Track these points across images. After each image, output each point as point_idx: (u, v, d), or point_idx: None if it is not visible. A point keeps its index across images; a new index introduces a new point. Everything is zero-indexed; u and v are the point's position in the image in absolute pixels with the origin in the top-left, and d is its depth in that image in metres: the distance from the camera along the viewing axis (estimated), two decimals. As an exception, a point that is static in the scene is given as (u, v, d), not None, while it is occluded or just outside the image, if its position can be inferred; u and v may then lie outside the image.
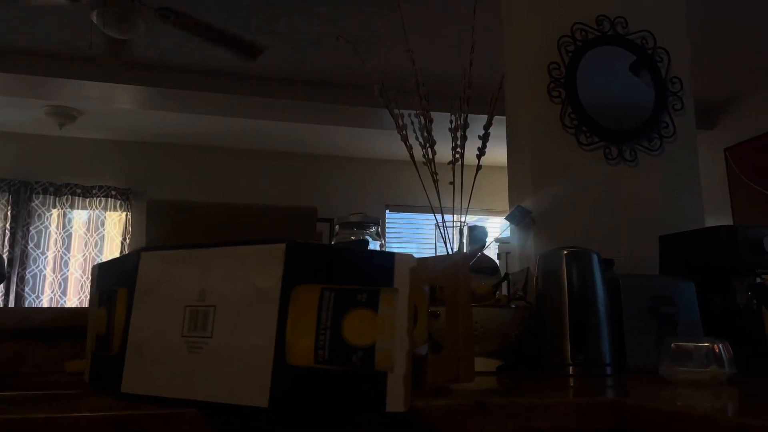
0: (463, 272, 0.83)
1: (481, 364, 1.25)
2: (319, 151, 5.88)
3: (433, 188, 1.82)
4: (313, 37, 3.55)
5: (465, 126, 1.75)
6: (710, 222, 4.79)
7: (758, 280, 1.38)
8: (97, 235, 5.40)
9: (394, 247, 6.19)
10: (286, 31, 3.48)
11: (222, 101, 4.16)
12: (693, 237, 1.45)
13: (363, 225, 1.64)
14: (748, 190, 4.41)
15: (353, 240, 1.61)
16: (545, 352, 1.26)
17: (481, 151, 1.81)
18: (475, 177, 1.83)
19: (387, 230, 6.16)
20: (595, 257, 1.28)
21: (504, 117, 1.86)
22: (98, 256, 5.36)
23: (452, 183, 1.91)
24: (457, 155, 1.82)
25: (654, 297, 1.30)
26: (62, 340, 1.26)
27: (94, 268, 0.91)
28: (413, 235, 6.31)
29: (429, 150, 1.69)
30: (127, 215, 5.46)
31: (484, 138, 1.81)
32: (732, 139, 4.59)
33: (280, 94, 4.09)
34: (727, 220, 4.56)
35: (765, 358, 1.32)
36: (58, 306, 5.21)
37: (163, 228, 1.46)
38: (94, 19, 2.76)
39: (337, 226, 1.65)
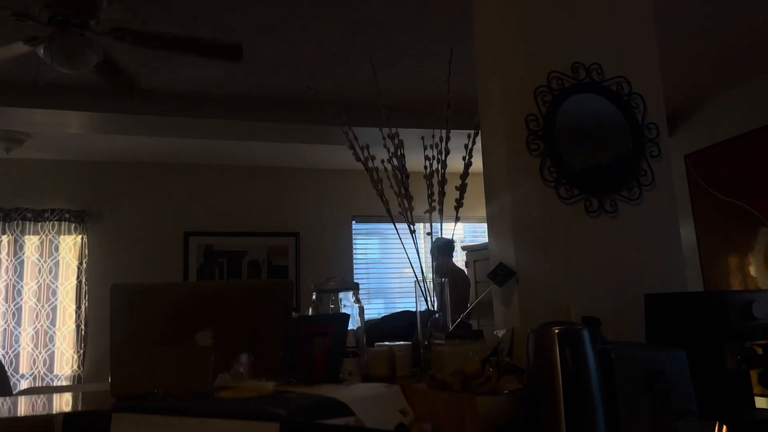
0: (470, 415, 0.77)
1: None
2: (284, 164, 5.76)
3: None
4: (272, 61, 3.44)
5: (443, 182, 1.70)
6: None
7: (747, 343, 1.36)
8: (51, 260, 5.17)
9: (361, 258, 6.11)
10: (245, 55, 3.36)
11: (178, 124, 4.01)
12: (680, 300, 1.42)
13: (341, 291, 1.57)
14: (708, 196, 4.49)
15: (332, 311, 1.53)
16: (540, 436, 1.21)
17: (458, 209, 1.76)
18: (453, 234, 1.78)
19: (354, 241, 6.08)
20: (586, 335, 1.24)
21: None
22: (53, 283, 5.13)
23: (430, 234, 1.86)
24: (434, 203, 1.78)
25: (647, 372, 1.27)
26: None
27: (57, 418, 0.81)
28: (380, 243, 6.25)
29: (408, 212, 1.64)
30: (83, 238, 5.24)
31: (462, 189, 1.76)
32: (692, 146, 4.66)
33: (239, 116, 3.97)
34: (689, 227, 4.64)
35: (755, 426, 1.30)
36: (13, 337, 4.98)
37: (128, 312, 1.37)
38: (41, 53, 2.60)
39: (314, 294, 1.58)
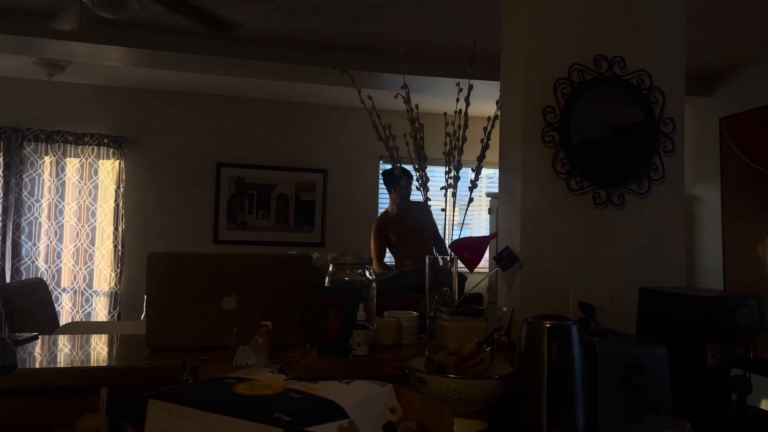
0: (448, 421, 0.90)
1: (462, 425, 1.35)
2: (315, 100, 5.81)
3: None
4: (313, 4, 3.44)
5: (458, 166, 1.78)
6: (698, 191, 4.85)
7: (727, 345, 1.46)
8: (90, 183, 5.41)
9: (384, 197, 6.20)
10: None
11: (214, 62, 4.07)
12: (669, 299, 1.51)
13: (356, 266, 1.70)
14: (738, 162, 4.45)
15: (347, 283, 1.67)
16: (523, 417, 1.35)
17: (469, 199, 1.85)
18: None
19: (380, 179, 6.17)
20: (574, 331, 1.35)
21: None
22: (92, 205, 5.39)
23: (444, 210, 1.96)
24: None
25: (627, 366, 1.38)
26: (71, 396, 1.35)
27: (103, 391, 0.97)
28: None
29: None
30: (120, 163, 5.44)
31: (474, 180, 1.85)
32: (728, 110, 4.57)
33: (276, 58, 4.02)
34: (715, 190, 4.62)
35: (730, 422, 1.43)
36: (55, 253, 5.30)
37: (162, 279, 1.52)
38: (84, -1, 2.68)
39: (331, 266, 1.71)
